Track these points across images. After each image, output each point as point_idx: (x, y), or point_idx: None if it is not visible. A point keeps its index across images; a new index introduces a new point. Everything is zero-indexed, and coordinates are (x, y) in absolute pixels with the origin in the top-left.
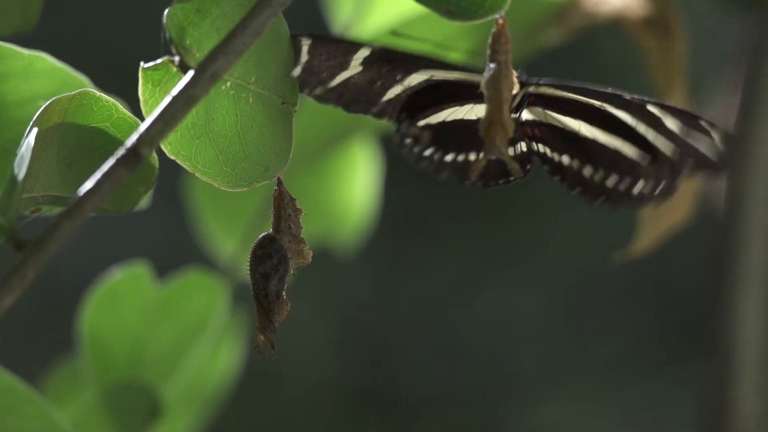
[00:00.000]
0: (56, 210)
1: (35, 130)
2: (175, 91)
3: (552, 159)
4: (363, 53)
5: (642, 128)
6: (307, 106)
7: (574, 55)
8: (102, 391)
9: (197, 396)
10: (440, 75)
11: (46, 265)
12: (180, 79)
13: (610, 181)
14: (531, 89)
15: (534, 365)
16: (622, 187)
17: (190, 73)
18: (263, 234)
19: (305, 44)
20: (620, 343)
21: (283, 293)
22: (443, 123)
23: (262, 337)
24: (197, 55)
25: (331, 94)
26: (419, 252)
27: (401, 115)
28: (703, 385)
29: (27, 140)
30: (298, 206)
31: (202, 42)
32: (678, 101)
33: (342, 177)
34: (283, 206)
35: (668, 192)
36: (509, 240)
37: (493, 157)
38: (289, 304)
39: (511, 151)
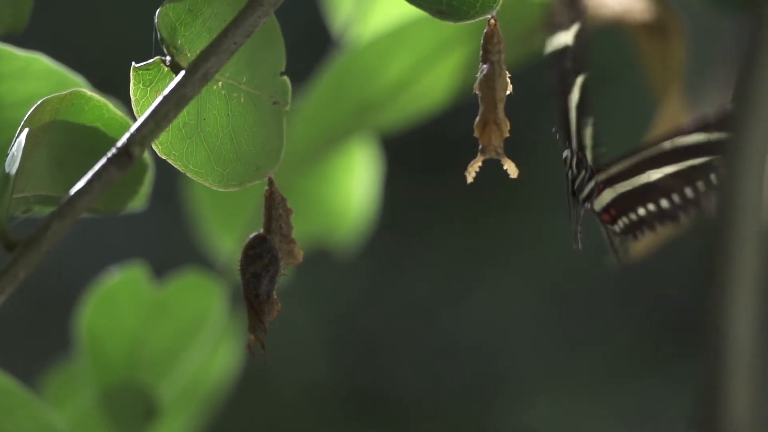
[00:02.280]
0: (47, 210)
1: (26, 129)
2: (166, 91)
3: (627, 224)
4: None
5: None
6: (307, 106)
7: None
8: (99, 392)
9: (194, 397)
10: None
11: (43, 267)
12: (171, 79)
13: (688, 193)
14: (601, 177)
15: (528, 365)
16: (700, 191)
17: (182, 73)
18: (254, 234)
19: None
20: (615, 342)
21: (274, 293)
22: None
23: (252, 337)
24: (189, 54)
25: None
26: (412, 253)
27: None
28: (697, 384)
29: (18, 140)
30: (289, 206)
31: (193, 42)
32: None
33: (341, 177)
34: (274, 206)
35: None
36: (502, 240)
37: (490, 158)
38: (280, 304)
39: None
